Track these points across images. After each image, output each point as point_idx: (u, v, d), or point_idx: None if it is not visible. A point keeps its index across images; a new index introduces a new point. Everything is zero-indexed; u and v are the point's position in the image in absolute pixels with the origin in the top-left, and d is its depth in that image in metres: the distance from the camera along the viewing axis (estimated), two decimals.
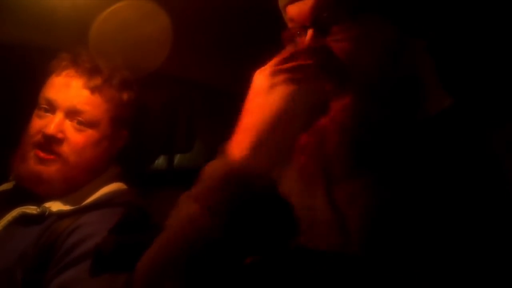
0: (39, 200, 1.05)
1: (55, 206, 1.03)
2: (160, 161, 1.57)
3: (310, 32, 0.64)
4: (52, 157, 1.04)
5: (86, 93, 1.07)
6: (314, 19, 0.64)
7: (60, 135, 1.04)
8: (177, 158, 1.63)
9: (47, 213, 1.01)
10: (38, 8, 1.17)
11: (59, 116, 1.05)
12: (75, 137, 1.05)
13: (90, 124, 1.07)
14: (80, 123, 1.06)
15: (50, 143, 1.03)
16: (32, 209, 1.02)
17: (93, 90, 1.08)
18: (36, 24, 1.20)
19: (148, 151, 1.42)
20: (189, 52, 1.43)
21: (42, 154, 1.04)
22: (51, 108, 1.06)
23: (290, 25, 0.70)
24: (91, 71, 1.09)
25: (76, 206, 1.03)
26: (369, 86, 0.63)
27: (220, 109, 1.75)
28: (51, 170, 1.04)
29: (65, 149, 1.05)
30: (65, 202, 1.04)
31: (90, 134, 1.07)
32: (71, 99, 1.06)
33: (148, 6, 1.12)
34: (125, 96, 1.13)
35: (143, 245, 0.97)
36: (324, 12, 0.63)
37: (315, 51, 0.63)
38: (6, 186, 1.17)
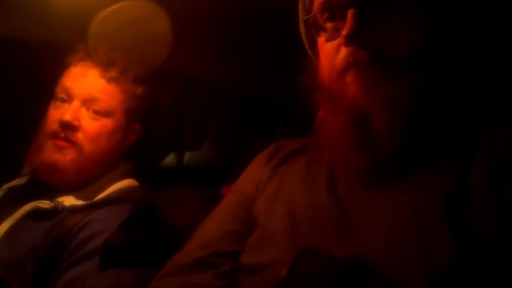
0: (52, 194, 1.06)
1: (68, 201, 1.04)
2: (170, 159, 1.58)
3: (351, 12, 0.62)
4: (67, 145, 1.06)
5: (102, 82, 1.10)
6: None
7: (76, 123, 1.06)
8: (187, 155, 1.64)
9: (59, 207, 1.02)
10: (38, 8, 1.19)
11: (75, 104, 1.08)
12: (90, 125, 1.08)
13: (105, 113, 1.09)
14: (95, 111, 1.09)
15: (66, 130, 1.06)
16: (45, 204, 1.04)
17: (109, 80, 1.10)
18: (36, 24, 1.22)
19: (159, 147, 1.43)
20: (198, 51, 1.44)
21: (59, 142, 1.06)
22: (68, 97, 1.09)
23: (320, 8, 0.68)
24: (107, 63, 1.12)
25: (88, 202, 1.04)
26: (412, 66, 0.62)
27: (229, 107, 1.75)
28: (66, 159, 1.05)
29: (80, 137, 1.07)
30: (78, 197, 1.05)
31: (104, 123, 1.10)
32: (87, 88, 1.09)
33: (149, 4, 1.13)
34: (139, 89, 1.16)
35: (151, 241, 0.98)
36: None
37: (358, 31, 0.61)
38: (19, 181, 1.19)
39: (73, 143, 1.06)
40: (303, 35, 0.79)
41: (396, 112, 0.61)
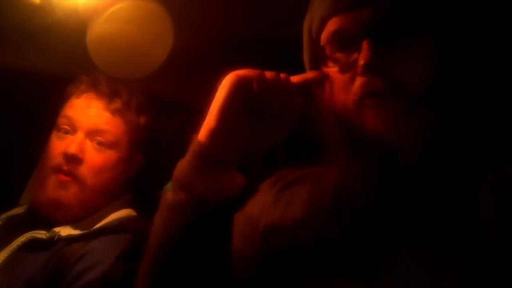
0: (49, 224, 1.05)
1: (65, 231, 1.03)
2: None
3: (367, 41, 0.61)
4: (69, 179, 1.05)
5: (107, 114, 1.10)
6: (374, 29, 0.61)
7: (81, 155, 1.06)
8: None
9: (56, 238, 1.01)
10: (40, 39, 1.20)
11: (80, 136, 1.07)
12: (95, 158, 1.07)
13: (110, 144, 1.09)
14: (100, 143, 1.08)
15: (70, 163, 1.05)
16: (41, 234, 1.03)
17: (114, 112, 1.11)
18: (39, 55, 1.23)
19: (158, 177, 1.42)
20: (200, 80, 1.45)
21: (61, 177, 1.05)
22: (72, 128, 1.08)
23: (330, 39, 0.67)
24: (110, 94, 1.12)
25: (85, 231, 1.03)
26: (434, 97, 0.60)
27: None
28: (69, 194, 1.05)
29: (83, 170, 1.06)
30: (75, 227, 1.04)
31: (109, 155, 1.09)
32: (92, 119, 1.08)
33: (150, 5, 1.13)
34: (142, 119, 1.16)
35: None
36: (385, 21, 0.61)
37: (375, 60, 0.60)
38: (18, 210, 1.18)
39: (76, 177, 1.06)
40: (307, 65, 0.78)
41: (426, 146, 0.60)
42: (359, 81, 0.63)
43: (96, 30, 1.14)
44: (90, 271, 0.93)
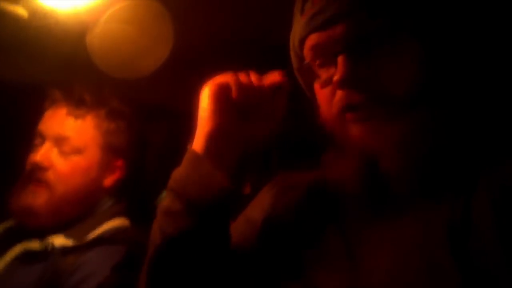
0: (42, 235, 1.04)
1: (58, 240, 1.02)
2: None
3: (342, 57, 0.61)
4: (39, 185, 1.06)
5: (70, 120, 1.11)
6: (350, 43, 0.61)
7: (45, 163, 1.06)
8: None
9: (50, 248, 1.00)
10: (38, 9, 1.19)
11: (47, 145, 1.09)
12: (61, 164, 1.08)
13: (76, 150, 1.09)
14: (65, 150, 1.09)
15: (37, 171, 1.06)
16: (35, 245, 1.02)
17: (77, 117, 1.11)
18: (35, 25, 1.21)
19: (151, 185, 1.40)
20: (192, 86, 1.44)
21: (31, 185, 1.06)
22: (42, 139, 1.10)
23: (311, 56, 0.67)
24: (76, 101, 1.12)
25: (79, 242, 1.02)
26: (416, 103, 0.60)
27: None
28: (39, 201, 1.05)
29: (51, 176, 1.06)
30: (68, 236, 1.04)
31: (76, 161, 1.09)
32: (56, 127, 1.10)
33: (150, 5, 1.13)
34: (113, 124, 1.15)
35: None
36: (360, 35, 0.61)
37: (351, 75, 0.60)
38: (10, 222, 1.16)
39: (45, 183, 1.06)
40: (300, 79, 0.78)
41: (406, 154, 0.61)
42: (337, 95, 0.64)
43: (97, 31, 1.13)
44: (85, 283, 0.93)
